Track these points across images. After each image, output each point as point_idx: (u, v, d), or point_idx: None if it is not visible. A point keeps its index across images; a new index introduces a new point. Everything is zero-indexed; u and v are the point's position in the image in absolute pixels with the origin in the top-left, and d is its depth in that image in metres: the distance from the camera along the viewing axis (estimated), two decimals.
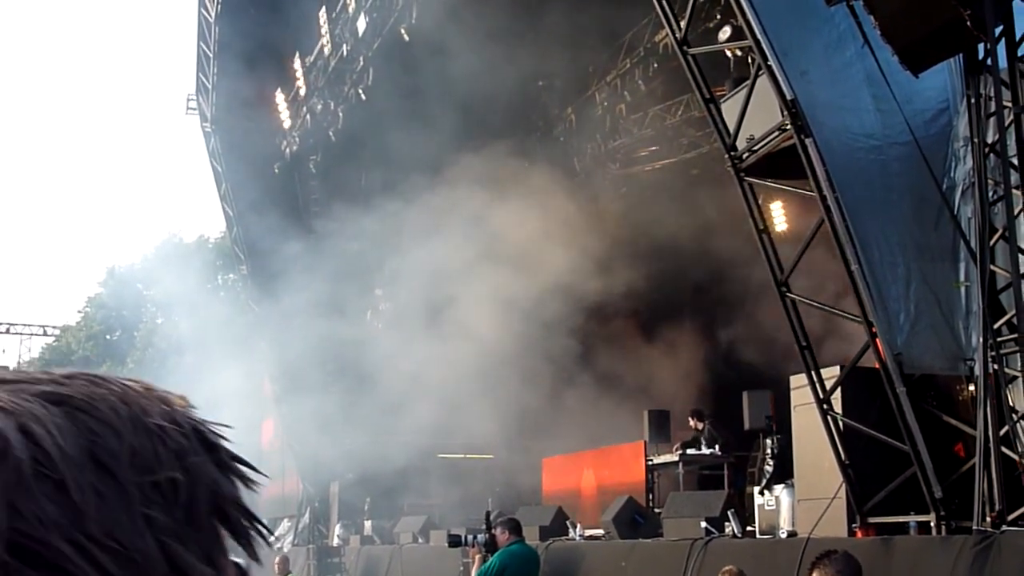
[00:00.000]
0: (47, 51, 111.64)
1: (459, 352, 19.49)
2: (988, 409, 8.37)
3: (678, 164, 22.54)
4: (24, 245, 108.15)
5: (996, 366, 8.43)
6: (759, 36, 9.73)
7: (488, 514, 11.19)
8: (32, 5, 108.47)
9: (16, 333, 52.63)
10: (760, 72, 10.05)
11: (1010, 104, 8.53)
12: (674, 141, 22.59)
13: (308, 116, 22.55)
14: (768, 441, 13.09)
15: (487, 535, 10.73)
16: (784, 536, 11.15)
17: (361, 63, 20.20)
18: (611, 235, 21.18)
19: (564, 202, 21.41)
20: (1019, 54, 8.60)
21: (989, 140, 8.68)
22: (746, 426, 14.64)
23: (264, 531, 0.73)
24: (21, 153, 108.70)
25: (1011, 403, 8.52)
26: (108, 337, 42.39)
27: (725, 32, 12.30)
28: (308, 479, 24.97)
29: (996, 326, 8.50)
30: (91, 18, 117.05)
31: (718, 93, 11.60)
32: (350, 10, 19.48)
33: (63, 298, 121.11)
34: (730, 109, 11.03)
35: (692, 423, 16.63)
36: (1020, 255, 8.53)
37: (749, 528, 12.00)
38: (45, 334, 50.81)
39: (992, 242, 8.57)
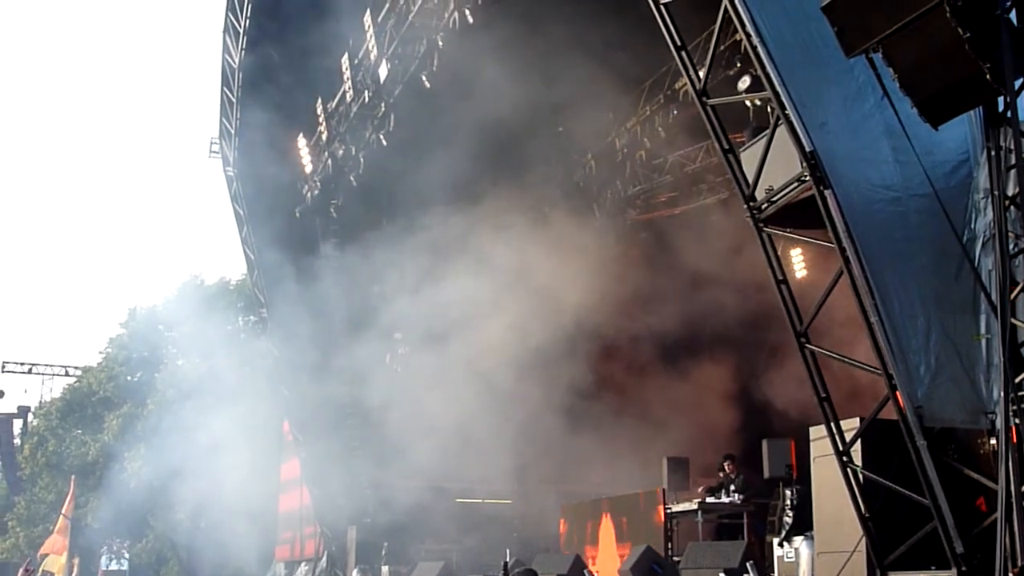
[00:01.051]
0: (72, 91, 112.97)
1: (477, 396, 19.45)
2: (1010, 463, 8.27)
3: (698, 209, 22.56)
4: (47, 286, 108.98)
5: (1018, 420, 8.33)
6: (778, 87, 9.75)
7: (505, 564, 11.16)
8: (57, 45, 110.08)
9: (38, 373, 52.94)
10: (779, 122, 10.06)
11: None
12: (694, 187, 22.64)
13: (329, 161, 22.66)
14: (788, 491, 12.99)
15: None
16: None
17: (383, 109, 20.34)
18: (631, 279, 21.16)
19: (584, 246, 21.43)
20: None
21: (1010, 192, 8.64)
22: (766, 474, 14.52)
23: None
24: (45, 194, 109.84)
25: None
26: (129, 378, 42.30)
27: (744, 82, 12.35)
28: (326, 523, 24.88)
29: (1017, 380, 8.42)
30: (117, 61, 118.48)
31: (738, 140, 11.61)
32: (372, 57, 19.63)
33: (85, 339, 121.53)
34: (749, 158, 11.03)
35: (728, 467, 16.38)
36: None
37: None
38: (67, 374, 51.01)
39: (1013, 295, 8.50)
